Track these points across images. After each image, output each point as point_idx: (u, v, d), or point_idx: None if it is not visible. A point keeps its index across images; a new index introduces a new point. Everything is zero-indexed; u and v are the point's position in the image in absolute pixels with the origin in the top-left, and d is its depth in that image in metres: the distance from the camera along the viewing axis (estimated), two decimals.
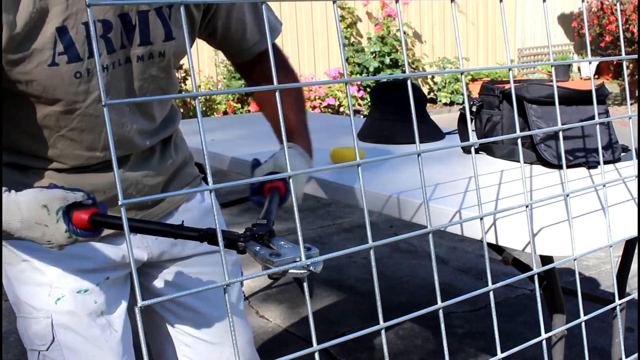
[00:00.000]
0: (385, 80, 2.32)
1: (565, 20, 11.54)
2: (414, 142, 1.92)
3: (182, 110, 7.52)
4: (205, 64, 8.26)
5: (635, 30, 8.62)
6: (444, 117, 7.91)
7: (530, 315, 2.72)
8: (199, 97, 0.50)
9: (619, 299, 0.93)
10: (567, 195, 0.75)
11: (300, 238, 0.52)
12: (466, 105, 0.62)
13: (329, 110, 8.23)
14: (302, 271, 0.73)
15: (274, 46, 1.29)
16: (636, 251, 1.61)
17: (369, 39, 9.23)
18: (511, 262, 1.42)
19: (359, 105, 8.80)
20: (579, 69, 11.42)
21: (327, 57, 9.13)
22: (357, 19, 9.36)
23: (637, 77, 8.61)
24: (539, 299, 0.71)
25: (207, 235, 0.88)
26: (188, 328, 1.26)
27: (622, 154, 1.59)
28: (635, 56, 0.96)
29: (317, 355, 0.52)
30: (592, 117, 1.52)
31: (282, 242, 0.81)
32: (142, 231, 0.95)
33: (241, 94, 7.97)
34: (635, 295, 1.07)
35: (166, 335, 1.28)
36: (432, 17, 10.09)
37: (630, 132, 1.03)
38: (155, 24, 1.04)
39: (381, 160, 0.61)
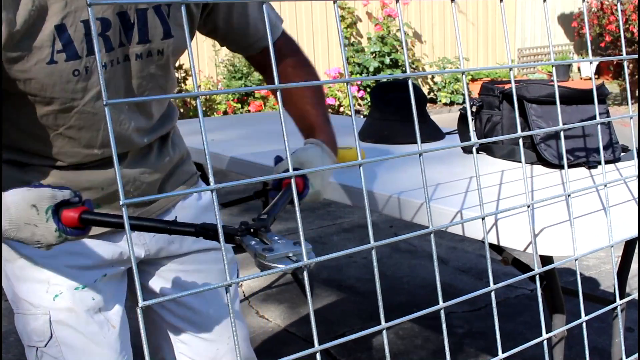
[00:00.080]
0: (385, 80, 2.32)
1: (565, 20, 11.54)
2: (414, 142, 1.92)
3: (181, 110, 7.52)
4: (205, 64, 8.26)
5: (635, 30, 8.62)
6: (444, 117, 7.91)
7: (530, 315, 2.72)
8: (198, 98, 0.50)
9: (620, 299, 0.93)
10: (569, 195, 0.75)
11: (302, 238, 0.52)
12: (467, 105, 0.62)
13: (329, 110, 8.21)
14: (292, 266, 0.73)
15: (288, 37, 1.28)
16: (636, 251, 1.61)
17: (369, 39, 9.23)
18: (511, 262, 1.41)
19: (359, 105, 8.80)
20: (579, 69, 11.42)
21: (327, 57, 9.12)
22: (357, 19, 9.36)
23: (637, 77, 8.61)
24: (540, 299, 0.71)
25: (202, 230, 0.87)
26: (184, 325, 1.26)
27: (622, 153, 1.59)
28: (636, 56, 0.96)
29: (318, 356, 0.52)
30: (592, 117, 1.52)
31: (276, 237, 0.81)
32: (138, 228, 0.95)
33: (241, 94, 7.96)
34: (635, 295, 1.07)
35: (162, 332, 1.28)
36: (432, 17, 10.09)
37: (632, 132, 1.03)
38: (154, 22, 1.04)
39: (383, 160, 0.61)
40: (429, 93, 9.94)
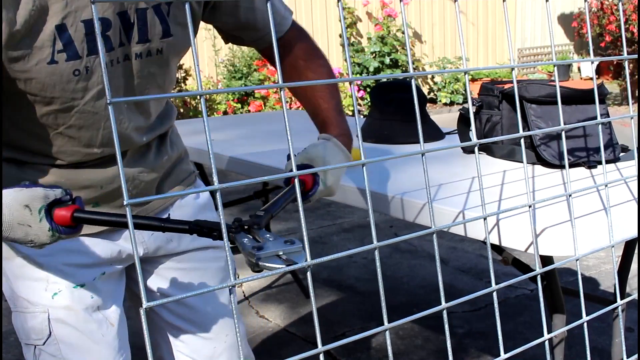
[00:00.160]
0: (385, 79, 2.32)
1: (565, 20, 11.55)
2: (414, 142, 1.92)
3: (181, 110, 7.52)
4: (205, 64, 8.26)
5: (635, 30, 8.62)
6: (444, 117, 7.90)
7: (530, 315, 2.72)
8: (202, 97, 0.50)
9: (620, 299, 0.93)
10: (570, 195, 0.75)
11: (305, 236, 0.52)
12: (469, 104, 0.62)
13: None
14: (282, 266, 0.73)
15: (299, 28, 1.27)
16: (636, 251, 1.61)
17: (369, 39, 9.23)
18: (511, 262, 1.42)
19: (359, 105, 8.80)
20: (578, 69, 11.42)
21: (327, 57, 9.12)
22: (357, 19, 9.36)
23: (637, 77, 8.61)
24: (542, 300, 0.71)
25: (196, 228, 0.87)
26: (182, 323, 1.26)
27: (622, 153, 1.59)
28: (636, 56, 0.96)
29: (321, 357, 0.52)
30: (592, 117, 1.52)
31: (268, 235, 0.81)
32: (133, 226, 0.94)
33: (241, 94, 7.96)
34: (635, 295, 1.07)
35: (160, 330, 1.29)
36: (432, 17, 10.09)
37: (633, 132, 1.03)
38: (153, 22, 1.04)
39: (386, 159, 0.61)
40: (429, 93, 9.93)
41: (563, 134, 0.75)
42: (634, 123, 0.91)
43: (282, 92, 0.53)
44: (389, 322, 0.59)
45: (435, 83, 9.97)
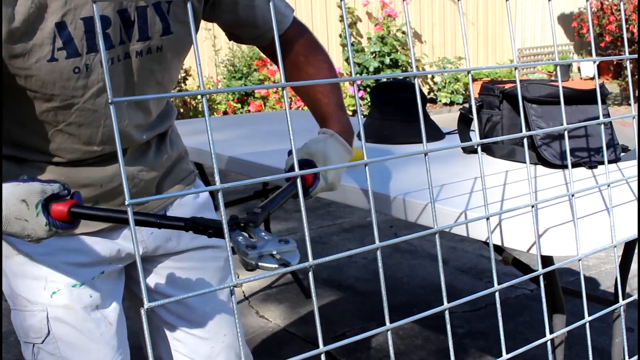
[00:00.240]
0: (385, 79, 2.31)
1: (565, 21, 11.55)
2: (414, 142, 1.92)
3: (181, 110, 7.52)
4: (205, 64, 8.26)
5: (635, 30, 8.62)
6: (444, 117, 7.91)
7: (530, 316, 2.72)
8: (204, 96, 0.50)
9: (622, 299, 0.93)
10: (572, 195, 0.75)
11: (307, 234, 0.51)
12: (472, 104, 0.62)
13: None
14: (274, 265, 0.72)
15: (300, 25, 1.27)
16: (636, 251, 1.61)
17: (369, 39, 9.23)
18: (511, 262, 1.41)
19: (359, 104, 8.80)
20: (578, 69, 11.42)
21: None
22: (357, 19, 9.35)
23: (636, 77, 8.61)
24: (544, 300, 0.71)
25: (192, 225, 0.87)
26: (179, 323, 1.26)
27: (622, 154, 1.59)
28: (637, 56, 0.96)
29: (323, 357, 0.51)
30: (592, 117, 1.52)
31: (263, 234, 0.80)
32: (127, 222, 0.94)
33: (241, 94, 7.96)
34: (635, 295, 1.07)
35: (158, 329, 1.29)
36: (432, 17, 10.09)
37: (635, 132, 1.03)
38: (153, 19, 1.03)
39: (388, 159, 0.61)
40: (429, 93, 9.93)
41: (566, 133, 0.75)
42: (635, 123, 0.90)
43: (284, 91, 0.53)
44: (389, 322, 0.58)
45: (435, 83, 9.97)
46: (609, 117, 1.20)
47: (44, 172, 1.07)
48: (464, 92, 9.72)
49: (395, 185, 1.41)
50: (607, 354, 1.61)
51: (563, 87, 1.54)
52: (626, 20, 8.69)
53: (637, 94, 8.22)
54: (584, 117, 1.54)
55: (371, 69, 8.94)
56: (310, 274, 0.51)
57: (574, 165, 1.50)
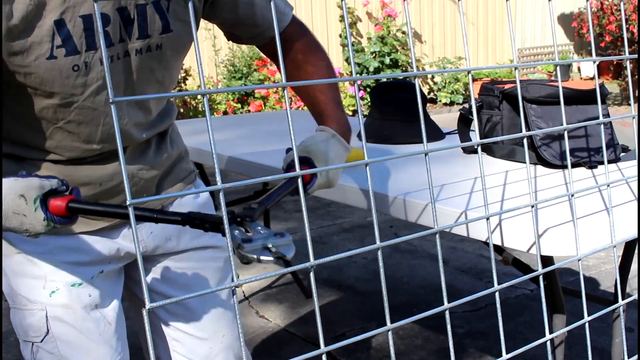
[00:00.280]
0: (385, 79, 2.31)
1: (565, 21, 11.55)
2: (414, 142, 1.92)
3: (181, 110, 7.52)
4: (205, 64, 8.26)
5: (635, 30, 8.62)
6: (444, 117, 7.91)
7: (530, 316, 2.72)
8: (205, 96, 0.50)
9: (621, 299, 0.93)
10: (572, 195, 0.75)
11: (308, 237, 0.51)
12: (472, 104, 0.62)
13: None
14: (270, 258, 0.73)
15: (299, 23, 1.27)
16: (636, 251, 1.61)
17: (369, 39, 9.23)
18: (511, 262, 1.41)
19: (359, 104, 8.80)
20: (578, 69, 11.42)
21: None
22: (357, 19, 9.36)
23: (636, 77, 8.61)
24: (544, 300, 0.71)
25: (188, 219, 0.88)
26: (177, 323, 1.26)
27: (622, 154, 1.59)
28: (637, 56, 0.96)
29: (324, 357, 0.51)
30: (592, 117, 1.52)
31: (259, 228, 0.81)
32: (125, 217, 0.94)
33: (241, 94, 7.96)
34: (635, 295, 1.07)
35: (157, 329, 1.29)
36: (432, 17, 10.09)
37: (635, 132, 1.03)
38: (153, 17, 1.03)
39: (388, 159, 0.61)
40: (429, 93, 9.94)
41: (565, 134, 0.75)
42: (635, 123, 0.91)
43: (284, 91, 0.53)
44: (390, 322, 0.59)
45: (435, 83, 9.97)
46: (609, 117, 1.21)
47: (43, 171, 1.07)
48: (464, 92, 9.72)
49: (395, 185, 1.41)
50: (607, 354, 1.61)
51: (563, 87, 1.54)
52: (626, 20, 8.69)
53: (637, 94, 8.22)
54: (584, 117, 1.54)
55: (371, 69, 8.94)
56: (312, 274, 0.51)
57: (574, 165, 1.50)
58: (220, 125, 2.62)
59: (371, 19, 9.35)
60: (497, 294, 0.65)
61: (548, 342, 0.74)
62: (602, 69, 11.10)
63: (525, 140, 0.71)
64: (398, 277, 3.21)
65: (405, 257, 3.49)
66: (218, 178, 0.45)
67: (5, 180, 0.88)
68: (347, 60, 9.28)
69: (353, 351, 2.44)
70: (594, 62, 0.78)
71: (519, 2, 11.08)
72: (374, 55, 9.05)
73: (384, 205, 1.35)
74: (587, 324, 0.80)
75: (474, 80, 9.89)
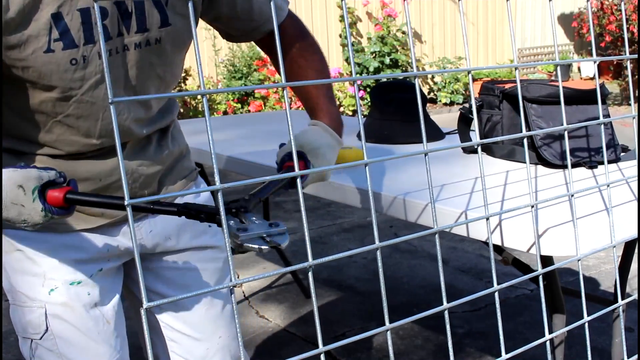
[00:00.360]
0: (385, 79, 2.31)
1: (565, 21, 11.55)
2: (414, 142, 1.92)
3: (182, 109, 7.52)
4: (205, 64, 8.26)
5: (635, 30, 8.62)
6: (444, 117, 7.90)
7: (530, 316, 2.72)
8: (204, 96, 0.50)
9: (621, 299, 0.93)
10: (572, 195, 0.75)
11: (307, 237, 0.51)
12: (473, 104, 0.62)
13: None
14: (265, 246, 0.74)
15: (294, 18, 1.28)
16: (636, 251, 1.61)
17: (369, 39, 9.23)
18: (511, 262, 1.41)
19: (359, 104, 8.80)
20: (579, 69, 11.42)
21: (327, 57, 9.09)
22: (357, 19, 9.36)
23: (636, 77, 8.61)
24: (543, 300, 0.71)
25: (184, 210, 0.88)
26: (174, 323, 1.26)
27: (622, 154, 1.59)
28: (637, 56, 0.96)
29: (322, 357, 0.51)
30: (592, 117, 1.52)
31: (254, 218, 0.82)
32: (122, 208, 0.95)
33: (241, 94, 7.96)
34: (635, 295, 1.07)
35: (155, 329, 1.29)
36: (432, 17, 10.09)
37: (635, 132, 1.03)
38: (151, 11, 1.03)
39: (388, 159, 0.61)
40: (429, 93, 9.94)
41: (566, 133, 0.75)
42: (635, 123, 0.91)
43: (284, 91, 0.53)
44: (389, 322, 0.58)
45: (435, 83, 9.97)
46: (609, 117, 1.21)
47: (41, 165, 1.07)
48: (464, 92, 9.72)
49: (395, 185, 1.41)
50: (607, 354, 1.61)
51: (563, 87, 1.54)
52: (626, 20, 8.68)
53: (637, 94, 8.22)
54: (584, 117, 1.54)
55: (371, 69, 8.94)
56: (310, 274, 0.51)
57: (574, 166, 1.50)
58: (220, 125, 2.62)
59: (371, 19, 9.34)
60: (496, 294, 0.65)
61: (548, 342, 0.74)
62: (602, 69, 11.10)
63: (525, 140, 0.71)
64: (398, 277, 3.21)
65: (405, 257, 3.49)
66: (217, 178, 0.45)
67: (4, 171, 0.88)
68: (347, 60, 9.27)
69: (353, 351, 2.44)
70: (594, 62, 0.78)
71: (519, 2, 11.08)
72: (374, 55, 9.05)
73: (384, 205, 1.35)
74: (586, 324, 0.80)
75: (474, 80, 9.91)
